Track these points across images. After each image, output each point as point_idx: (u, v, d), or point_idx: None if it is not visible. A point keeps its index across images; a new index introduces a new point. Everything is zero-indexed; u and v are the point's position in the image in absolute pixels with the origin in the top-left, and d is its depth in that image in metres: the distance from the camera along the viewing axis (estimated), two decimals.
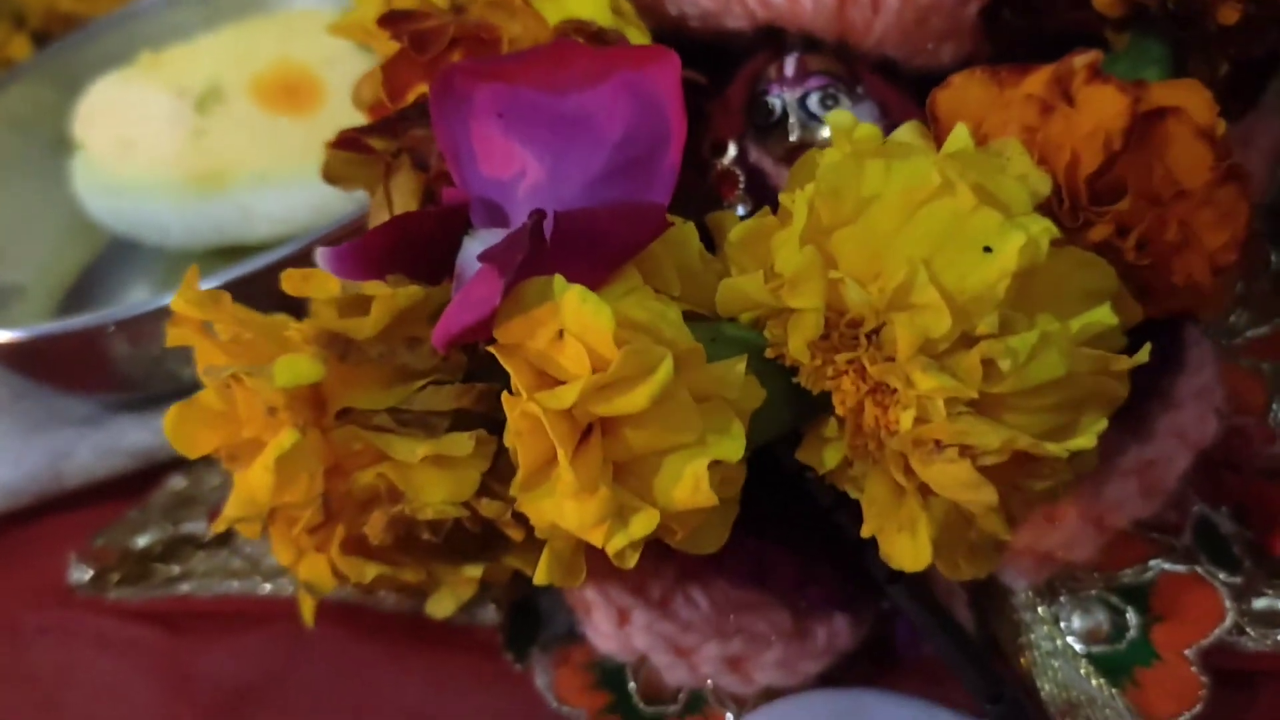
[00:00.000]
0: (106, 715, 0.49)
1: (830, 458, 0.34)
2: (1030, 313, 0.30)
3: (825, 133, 0.41)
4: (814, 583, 0.41)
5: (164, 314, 0.52)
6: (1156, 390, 0.39)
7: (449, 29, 0.38)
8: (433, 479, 0.34)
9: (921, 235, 0.30)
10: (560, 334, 0.30)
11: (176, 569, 0.52)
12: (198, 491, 0.56)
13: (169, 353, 0.54)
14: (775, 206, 0.35)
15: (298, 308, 0.54)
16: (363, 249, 0.35)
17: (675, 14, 0.42)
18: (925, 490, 0.32)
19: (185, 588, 0.51)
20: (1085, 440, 0.30)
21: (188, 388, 0.50)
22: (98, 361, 0.57)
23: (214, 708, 0.48)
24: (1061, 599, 0.41)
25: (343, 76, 0.57)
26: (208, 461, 0.49)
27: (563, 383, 0.30)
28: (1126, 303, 0.32)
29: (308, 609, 0.40)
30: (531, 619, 0.45)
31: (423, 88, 0.38)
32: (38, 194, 0.71)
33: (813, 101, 0.41)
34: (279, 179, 0.62)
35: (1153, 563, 0.41)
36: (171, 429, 0.36)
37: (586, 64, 0.35)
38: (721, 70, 0.43)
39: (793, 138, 0.41)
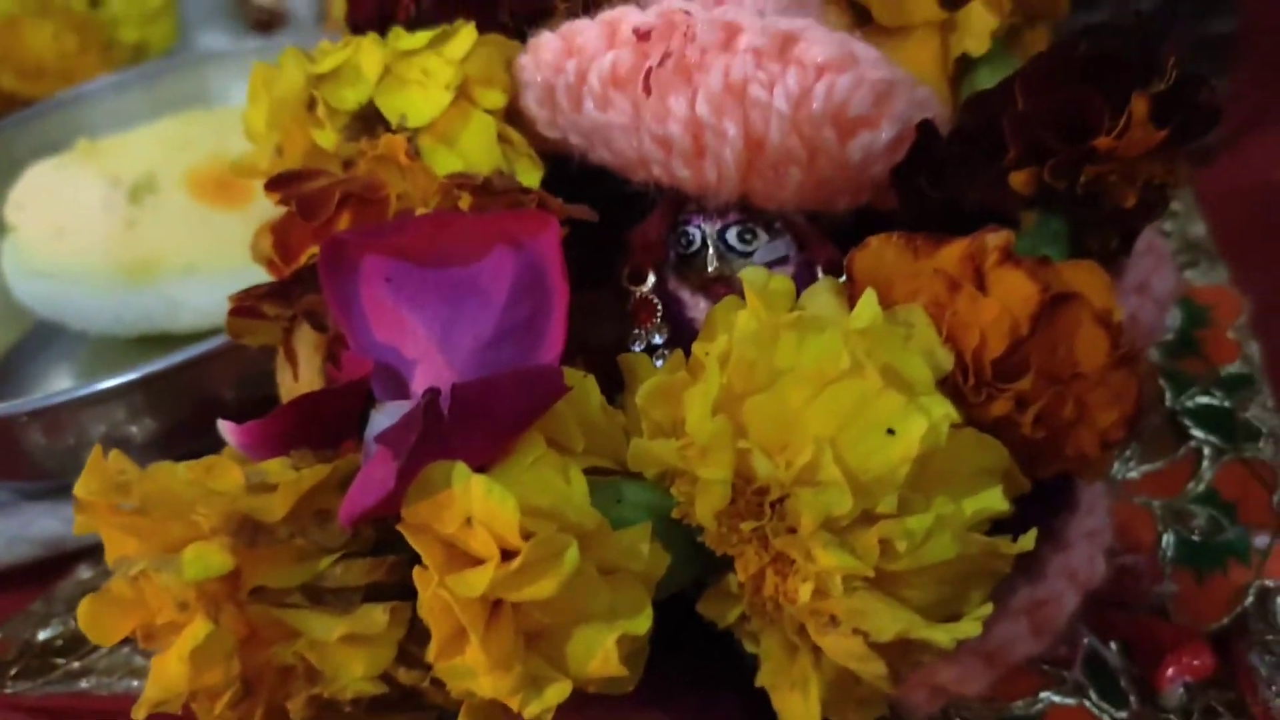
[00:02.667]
0: None
1: (730, 614, 0.34)
2: (927, 492, 0.30)
3: (744, 264, 0.40)
4: (715, 709, 0.40)
5: (78, 405, 0.52)
6: (1048, 531, 0.39)
7: (335, 193, 0.37)
8: (350, 656, 0.33)
9: (829, 412, 0.31)
10: (468, 521, 0.30)
11: (77, 664, 0.50)
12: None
13: (82, 443, 0.53)
14: (690, 337, 0.35)
15: (215, 400, 0.53)
16: (267, 428, 0.34)
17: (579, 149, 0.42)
18: (817, 651, 0.32)
19: (85, 684, 0.50)
20: (972, 628, 0.30)
21: None
22: (10, 449, 0.56)
23: None
24: None
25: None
26: None
27: (473, 560, 0.30)
28: (1016, 478, 0.32)
29: None
30: None
31: (315, 249, 0.38)
32: None
33: (731, 235, 0.40)
34: (207, 271, 0.61)
35: (1043, 695, 0.41)
36: (85, 620, 0.34)
37: (468, 230, 0.35)
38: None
39: (710, 269, 0.40)
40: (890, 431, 0.30)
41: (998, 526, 0.32)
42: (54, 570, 0.56)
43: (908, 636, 0.30)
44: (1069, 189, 0.36)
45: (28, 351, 0.70)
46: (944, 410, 0.30)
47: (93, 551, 0.56)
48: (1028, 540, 0.31)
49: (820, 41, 0.36)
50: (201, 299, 0.61)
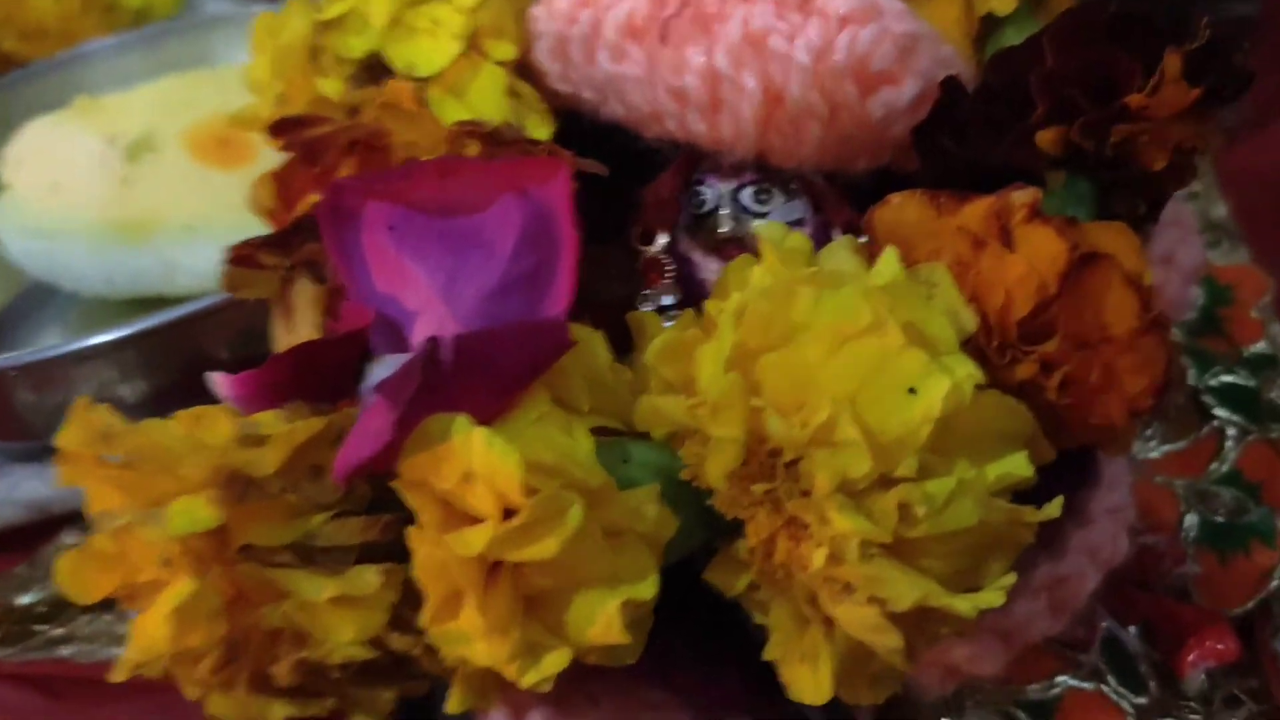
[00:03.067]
0: None
1: (739, 582, 0.33)
2: (949, 456, 0.29)
3: (760, 230, 0.40)
4: (718, 684, 0.39)
5: (68, 360, 0.52)
6: (1070, 506, 0.38)
7: (339, 138, 0.36)
8: (340, 618, 0.32)
9: (848, 371, 0.29)
10: (467, 476, 0.29)
11: (59, 631, 0.50)
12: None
13: (71, 402, 0.52)
14: (701, 298, 0.34)
15: (209, 360, 0.52)
16: (260, 378, 0.34)
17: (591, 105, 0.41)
18: (829, 623, 0.31)
19: (66, 651, 0.49)
20: (994, 598, 0.29)
21: None
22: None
23: None
24: (966, 710, 0.40)
25: None
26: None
27: (471, 519, 0.29)
28: (1041, 445, 0.31)
29: None
30: (423, 709, 0.42)
31: (316, 196, 0.37)
32: None
33: (746, 196, 0.40)
34: (205, 232, 0.60)
35: (1059, 679, 0.41)
36: (65, 576, 0.34)
37: (475, 178, 0.34)
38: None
39: (723, 230, 0.40)
40: (912, 391, 0.29)
41: (1018, 498, 0.31)
42: (40, 534, 0.55)
43: (926, 605, 0.29)
44: (1097, 149, 0.34)
45: (20, 313, 0.69)
46: (968, 370, 0.29)
47: (79, 516, 0.54)
48: (1054, 508, 0.30)
49: None
50: (198, 261, 0.60)
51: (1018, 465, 0.30)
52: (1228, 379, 0.48)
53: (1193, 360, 0.49)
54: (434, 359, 0.30)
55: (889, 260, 0.32)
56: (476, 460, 0.29)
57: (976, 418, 0.30)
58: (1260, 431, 0.46)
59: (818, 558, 0.29)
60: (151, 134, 0.62)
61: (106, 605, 0.48)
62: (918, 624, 0.30)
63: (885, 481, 0.29)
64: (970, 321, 0.31)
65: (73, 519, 0.55)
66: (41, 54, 0.79)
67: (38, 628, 0.50)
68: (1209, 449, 0.46)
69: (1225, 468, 0.45)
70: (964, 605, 0.29)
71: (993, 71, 0.36)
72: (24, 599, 0.51)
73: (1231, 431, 0.46)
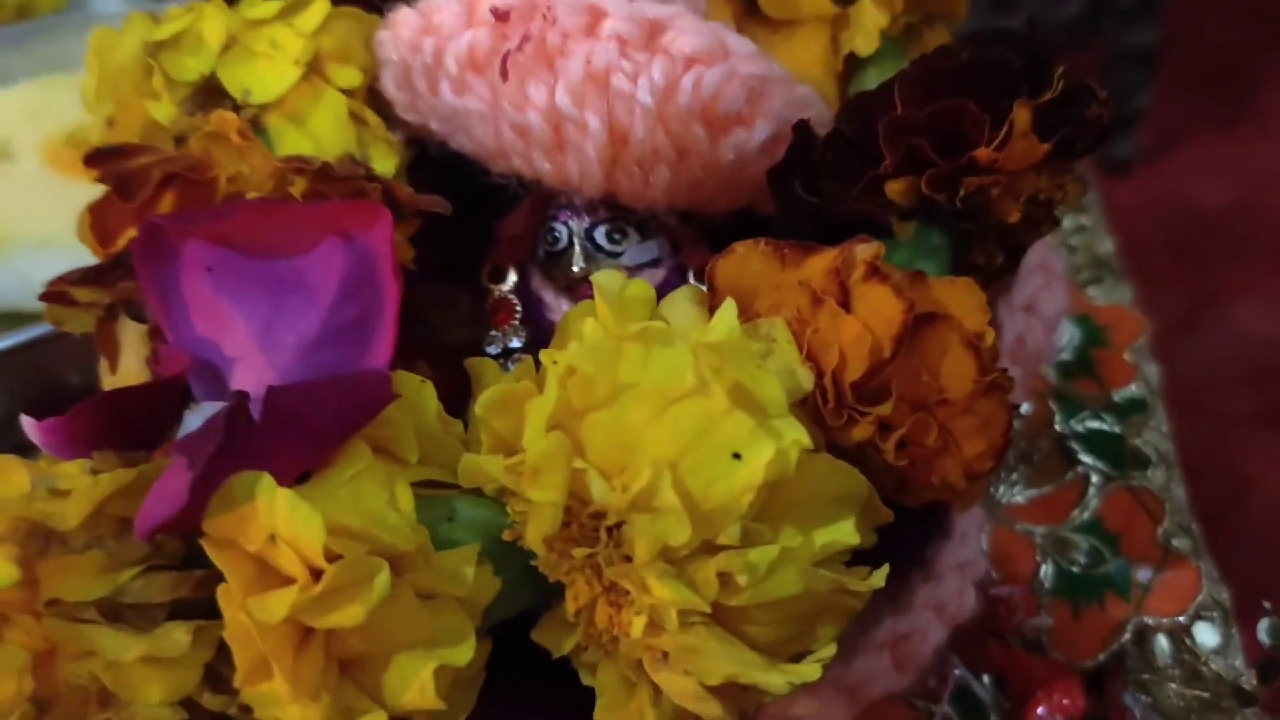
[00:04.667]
0: None
1: (566, 643, 0.32)
2: (775, 522, 0.29)
3: (612, 265, 0.39)
4: None
5: None
6: (918, 560, 0.38)
7: (155, 172, 0.35)
8: (148, 678, 0.31)
9: (672, 434, 0.29)
10: (273, 537, 0.28)
11: None
12: None
13: None
14: (549, 342, 0.33)
15: (59, 384, 0.50)
16: (70, 425, 0.32)
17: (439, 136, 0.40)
18: (656, 688, 0.30)
19: None
20: (810, 671, 0.29)
21: None
22: None
23: None
24: None
25: None
26: None
27: (284, 578, 0.28)
28: (876, 508, 0.31)
29: None
30: None
31: (133, 231, 0.36)
32: None
33: (600, 234, 0.39)
34: (63, 245, 0.57)
35: None
36: None
37: (298, 219, 0.33)
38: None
39: (576, 269, 0.39)
40: (736, 456, 0.28)
41: (861, 554, 0.30)
42: None
43: (738, 681, 0.28)
44: (949, 201, 0.34)
45: None
46: (795, 435, 0.29)
47: None
48: (879, 578, 0.29)
49: (690, 31, 0.34)
50: (55, 274, 0.58)
51: (844, 533, 0.29)
52: (1094, 425, 0.48)
53: (1060, 405, 0.49)
54: (238, 416, 0.28)
55: (725, 315, 0.31)
56: (280, 523, 0.28)
57: (805, 483, 0.29)
58: (1122, 479, 0.46)
59: (637, 626, 0.29)
60: (7, 142, 0.60)
61: None
62: (738, 693, 0.29)
63: (707, 549, 0.28)
64: (806, 380, 0.31)
65: None
66: None
67: None
68: (1073, 495, 0.46)
69: (1087, 515, 0.45)
70: (777, 680, 0.28)
71: (844, 118, 0.35)
72: None
73: (1095, 479, 0.46)
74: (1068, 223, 0.64)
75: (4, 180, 0.59)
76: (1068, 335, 0.52)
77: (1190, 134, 0.77)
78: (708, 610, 0.28)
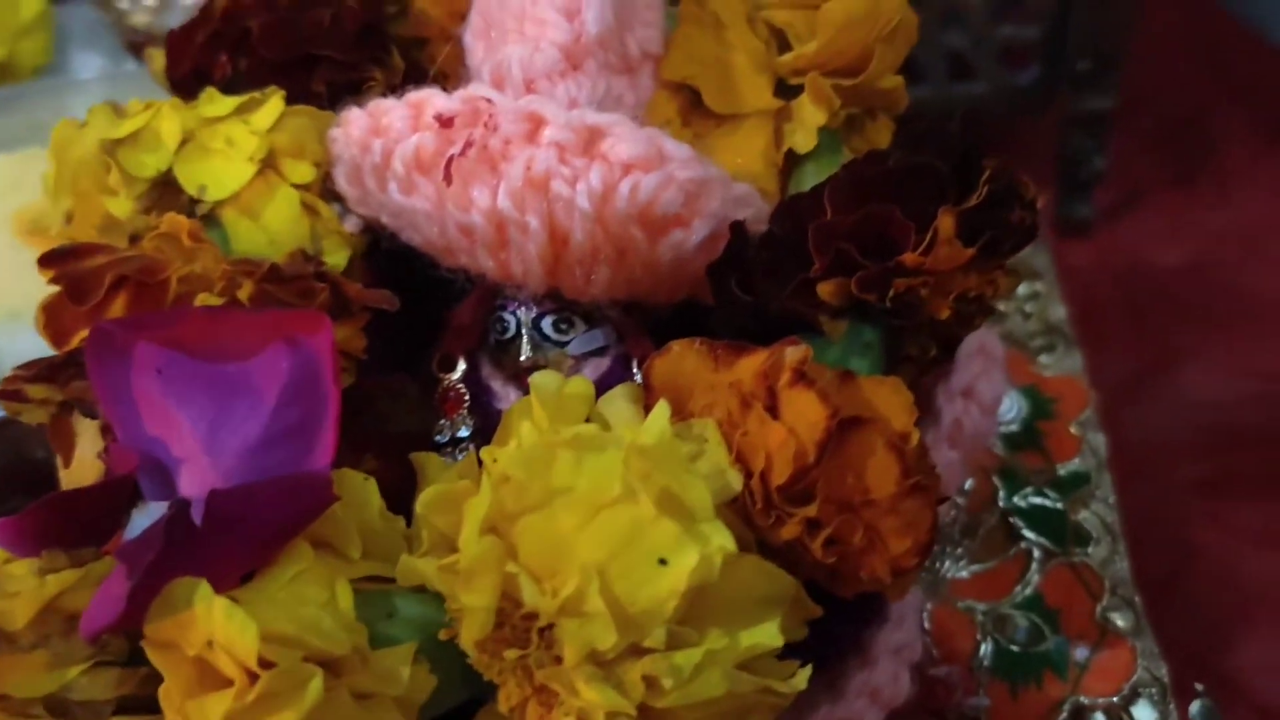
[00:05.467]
0: None
1: None
2: (701, 624, 0.30)
3: (559, 354, 0.39)
4: None
5: None
6: (854, 645, 0.38)
7: (106, 275, 0.35)
8: None
9: (601, 539, 0.29)
10: (211, 642, 0.28)
11: None
12: None
13: None
14: (494, 430, 0.34)
15: (27, 460, 0.51)
16: (20, 525, 0.33)
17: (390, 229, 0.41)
18: None
19: None
20: None
21: None
22: None
23: None
24: None
25: None
26: None
27: (224, 681, 0.29)
28: (804, 605, 0.32)
29: None
30: None
31: (83, 333, 0.36)
32: None
33: (547, 324, 0.40)
34: (31, 318, 0.58)
35: None
36: None
37: (244, 324, 0.33)
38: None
39: (524, 358, 0.40)
40: (662, 562, 0.29)
41: (795, 643, 0.31)
42: None
43: None
44: (879, 300, 0.35)
45: None
46: (720, 541, 0.29)
47: None
48: (801, 679, 0.30)
49: (627, 138, 0.35)
50: (26, 347, 0.57)
51: (769, 635, 0.30)
52: (1037, 500, 0.49)
53: (1005, 480, 0.50)
54: (178, 524, 0.29)
55: (657, 418, 0.32)
56: (217, 629, 0.29)
57: (732, 584, 0.30)
58: (1064, 555, 0.47)
59: None
60: None
61: None
62: None
63: (634, 651, 0.29)
64: (736, 482, 0.32)
65: None
66: None
67: None
68: (1015, 570, 0.47)
69: (1029, 591, 0.46)
70: None
71: (777, 221, 0.36)
72: None
73: (1037, 554, 0.47)
74: (1023, 289, 0.65)
75: None
76: (1015, 408, 0.53)
77: (1148, 194, 0.78)
78: (633, 713, 0.29)
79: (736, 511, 0.32)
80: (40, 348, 0.57)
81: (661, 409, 0.32)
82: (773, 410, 0.32)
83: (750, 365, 0.33)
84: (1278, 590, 0.51)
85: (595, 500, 0.30)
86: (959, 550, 0.47)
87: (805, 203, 0.35)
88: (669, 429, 0.32)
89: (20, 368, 0.37)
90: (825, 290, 0.35)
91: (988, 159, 0.36)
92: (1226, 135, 0.83)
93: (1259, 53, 0.92)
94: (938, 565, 0.47)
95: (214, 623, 0.29)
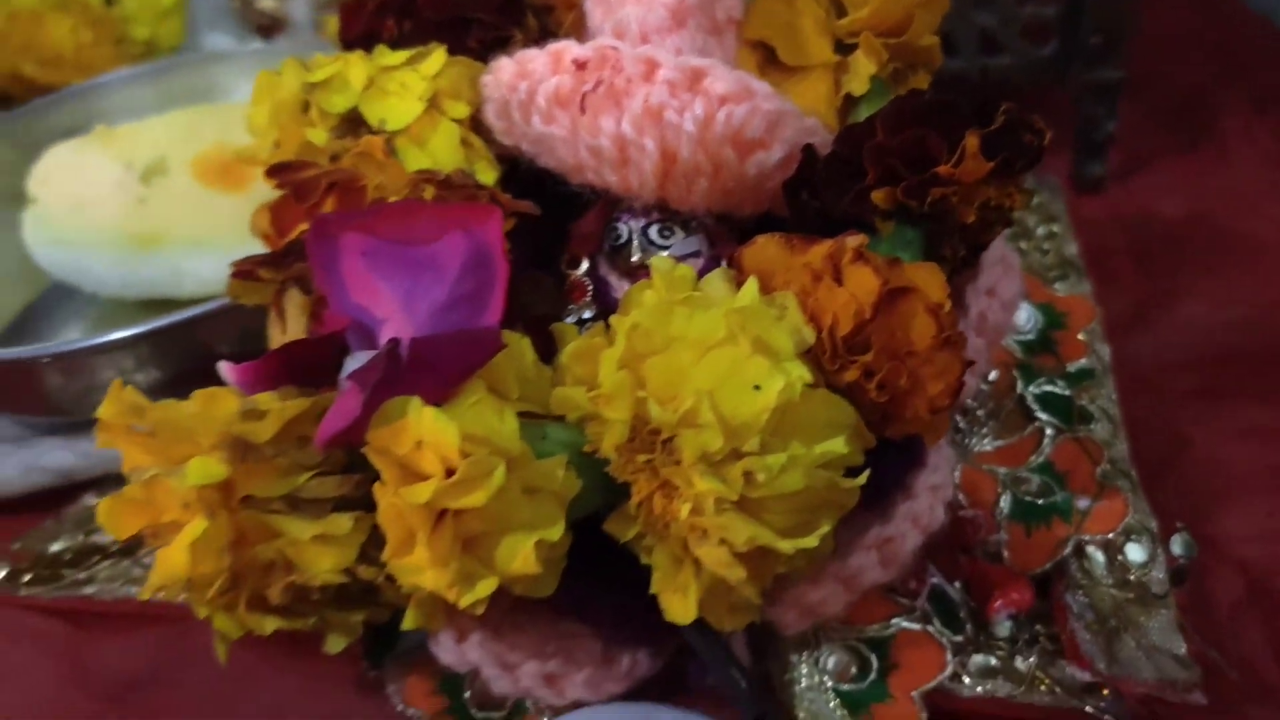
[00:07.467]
0: (7, 698, 0.52)
1: (629, 531, 0.40)
2: (785, 437, 0.37)
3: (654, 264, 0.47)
4: (624, 620, 0.46)
5: (93, 352, 0.57)
6: (900, 483, 0.45)
7: (322, 181, 0.43)
8: (320, 552, 0.39)
9: (710, 371, 0.37)
10: (418, 444, 0.36)
11: (82, 574, 0.56)
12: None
13: (93, 386, 0.58)
14: (613, 313, 0.41)
15: (212, 355, 0.57)
16: (259, 368, 0.40)
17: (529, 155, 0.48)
18: (697, 563, 0.38)
19: (88, 590, 0.55)
20: (811, 541, 0.37)
21: None
22: (32, 388, 0.60)
23: (107, 694, 0.51)
24: (821, 643, 0.47)
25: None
26: (119, 482, 0.54)
27: (423, 477, 0.36)
28: (862, 433, 0.39)
29: (222, 651, 0.43)
30: (387, 635, 0.49)
31: (303, 226, 0.43)
32: None
33: (653, 231, 0.47)
34: (208, 244, 0.66)
35: (894, 621, 0.47)
36: (104, 516, 0.40)
37: (430, 217, 0.41)
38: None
39: (635, 259, 0.47)
40: (756, 387, 0.36)
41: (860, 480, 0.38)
42: (64, 497, 0.61)
43: (757, 545, 0.36)
44: (919, 206, 0.42)
45: (43, 309, 0.74)
46: (800, 373, 0.37)
47: (98, 482, 0.61)
48: (861, 479, 0.37)
49: (723, 77, 0.42)
50: (202, 269, 0.66)
51: (838, 445, 0.37)
52: (1049, 388, 0.56)
53: (1022, 373, 0.57)
54: (393, 355, 0.37)
55: (749, 289, 0.39)
56: (425, 431, 0.36)
57: (807, 410, 0.37)
58: (1071, 431, 0.54)
59: (684, 511, 0.37)
60: (163, 160, 0.68)
61: (126, 551, 0.55)
62: (758, 561, 0.37)
63: (735, 455, 0.36)
64: (809, 336, 0.39)
65: (92, 484, 0.61)
66: (58, 80, 0.85)
67: (65, 572, 0.56)
68: (1030, 445, 0.53)
69: (1041, 459, 0.52)
70: (785, 545, 0.36)
71: (839, 144, 0.43)
72: (53, 548, 0.56)
73: (1049, 431, 0.53)
74: (1040, 230, 0.72)
75: (161, 192, 0.67)
76: (1032, 320, 0.60)
77: (1155, 158, 0.84)
78: (736, 498, 0.36)
79: (809, 361, 0.39)
80: (215, 269, 0.65)
81: (752, 283, 0.40)
82: (838, 281, 0.40)
83: (820, 250, 0.40)
84: (1258, 473, 0.57)
85: (705, 343, 0.37)
86: (984, 430, 0.54)
87: (861, 129, 0.42)
88: (758, 296, 0.40)
89: (246, 259, 0.45)
90: (877, 197, 0.42)
91: (1003, 100, 0.43)
92: (1225, 106, 0.89)
93: (1257, 33, 0.98)
94: (966, 441, 0.54)
95: (423, 427, 0.36)
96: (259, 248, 0.46)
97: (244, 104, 0.51)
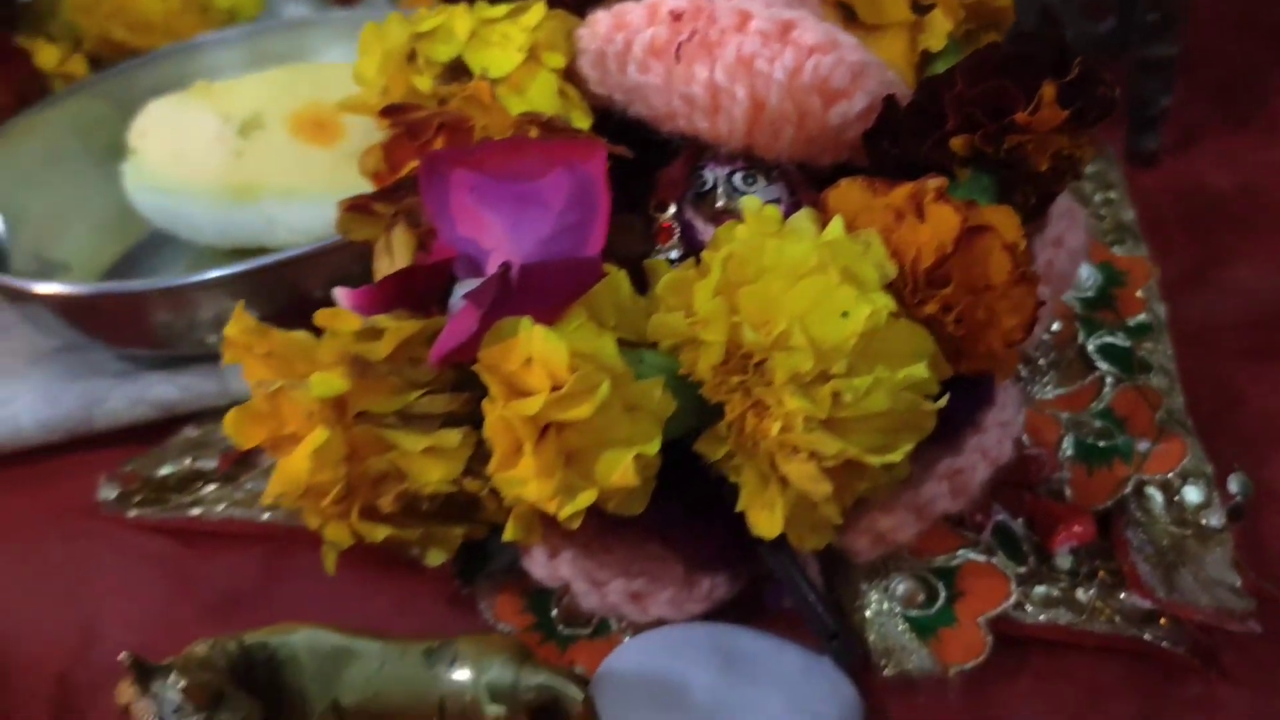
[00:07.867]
0: (119, 609, 0.54)
1: (719, 451, 0.42)
2: (870, 361, 0.39)
3: (744, 203, 0.49)
4: (705, 543, 0.48)
5: (196, 288, 0.60)
6: (970, 419, 0.47)
7: (434, 121, 0.45)
8: (430, 464, 0.42)
9: (801, 298, 0.39)
10: (528, 361, 0.38)
11: (188, 498, 0.58)
12: (209, 439, 0.62)
13: (195, 322, 0.61)
14: (698, 257, 0.43)
15: (306, 296, 0.59)
16: (373, 293, 0.43)
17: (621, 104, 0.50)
18: (783, 481, 0.41)
19: (195, 511, 0.57)
20: (895, 456, 0.39)
21: (211, 352, 0.57)
22: (139, 322, 0.63)
23: (211, 608, 0.54)
24: (890, 572, 0.49)
25: (360, 118, 0.61)
26: (216, 416, 0.57)
27: (529, 394, 0.38)
28: (940, 362, 0.41)
29: (330, 560, 0.46)
30: (478, 553, 0.51)
31: (414, 163, 0.46)
32: (89, 189, 0.78)
33: (737, 178, 0.49)
34: (302, 196, 0.68)
35: (961, 552, 0.49)
36: (230, 426, 0.42)
37: (535, 154, 0.43)
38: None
39: (719, 204, 0.49)
40: (844, 314, 0.39)
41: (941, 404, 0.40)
42: (167, 428, 0.64)
43: (847, 459, 0.39)
44: (995, 153, 0.44)
45: (143, 254, 0.77)
46: (885, 302, 0.39)
47: (197, 416, 0.64)
48: (942, 401, 0.40)
49: (812, 29, 0.44)
50: (296, 218, 0.68)
51: (919, 371, 0.39)
52: (1109, 340, 0.57)
53: (1084, 325, 0.58)
54: (506, 277, 0.39)
55: (835, 225, 0.42)
56: (535, 348, 0.38)
57: (891, 337, 0.39)
58: (1130, 380, 0.55)
59: (775, 429, 0.39)
60: (259, 114, 0.71)
61: (229, 477, 0.58)
62: (843, 477, 0.40)
63: (824, 377, 0.39)
64: (891, 270, 0.41)
65: (192, 417, 0.64)
66: (146, 44, 0.88)
67: (170, 495, 0.58)
68: (1091, 392, 0.55)
69: (1101, 406, 0.54)
70: (872, 459, 0.39)
71: (920, 93, 0.45)
72: (161, 471, 0.59)
73: (1109, 380, 0.55)
74: (1097, 196, 0.73)
75: (258, 144, 0.70)
76: (1092, 278, 0.62)
77: (1207, 133, 0.86)
78: (824, 417, 0.38)
79: (891, 294, 0.40)
80: (306, 217, 0.68)
81: (837, 219, 0.42)
82: (920, 219, 0.42)
83: (902, 191, 0.42)
84: None
85: (796, 272, 0.39)
86: (1046, 379, 0.56)
87: (942, 79, 0.44)
88: (843, 233, 0.42)
89: (358, 196, 0.47)
90: (956, 144, 0.44)
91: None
92: (1277, 85, 0.91)
93: None
94: (1029, 389, 0.56)
95: (533, 344, 0.38)
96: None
97: (335, 65, 0.53)
